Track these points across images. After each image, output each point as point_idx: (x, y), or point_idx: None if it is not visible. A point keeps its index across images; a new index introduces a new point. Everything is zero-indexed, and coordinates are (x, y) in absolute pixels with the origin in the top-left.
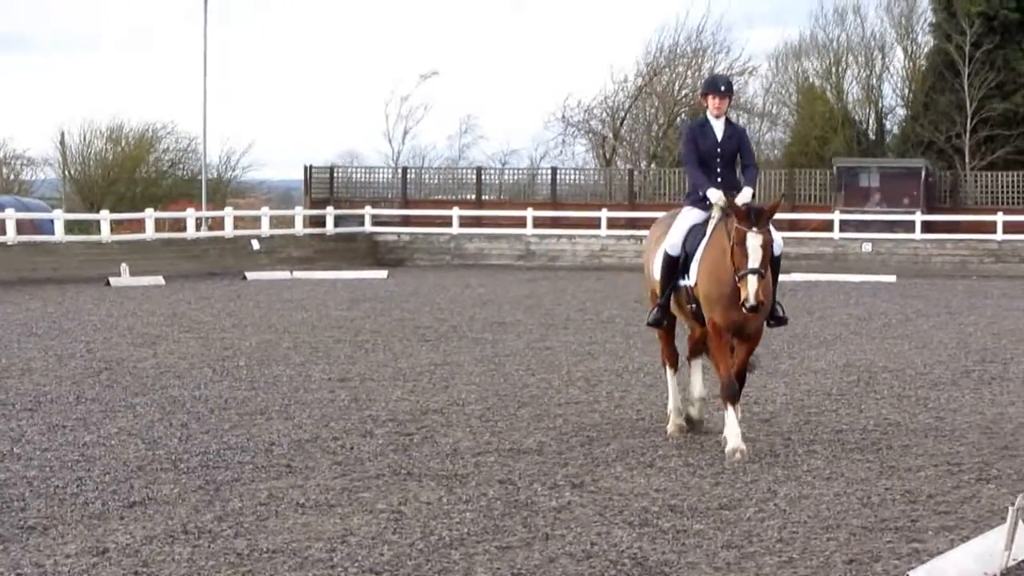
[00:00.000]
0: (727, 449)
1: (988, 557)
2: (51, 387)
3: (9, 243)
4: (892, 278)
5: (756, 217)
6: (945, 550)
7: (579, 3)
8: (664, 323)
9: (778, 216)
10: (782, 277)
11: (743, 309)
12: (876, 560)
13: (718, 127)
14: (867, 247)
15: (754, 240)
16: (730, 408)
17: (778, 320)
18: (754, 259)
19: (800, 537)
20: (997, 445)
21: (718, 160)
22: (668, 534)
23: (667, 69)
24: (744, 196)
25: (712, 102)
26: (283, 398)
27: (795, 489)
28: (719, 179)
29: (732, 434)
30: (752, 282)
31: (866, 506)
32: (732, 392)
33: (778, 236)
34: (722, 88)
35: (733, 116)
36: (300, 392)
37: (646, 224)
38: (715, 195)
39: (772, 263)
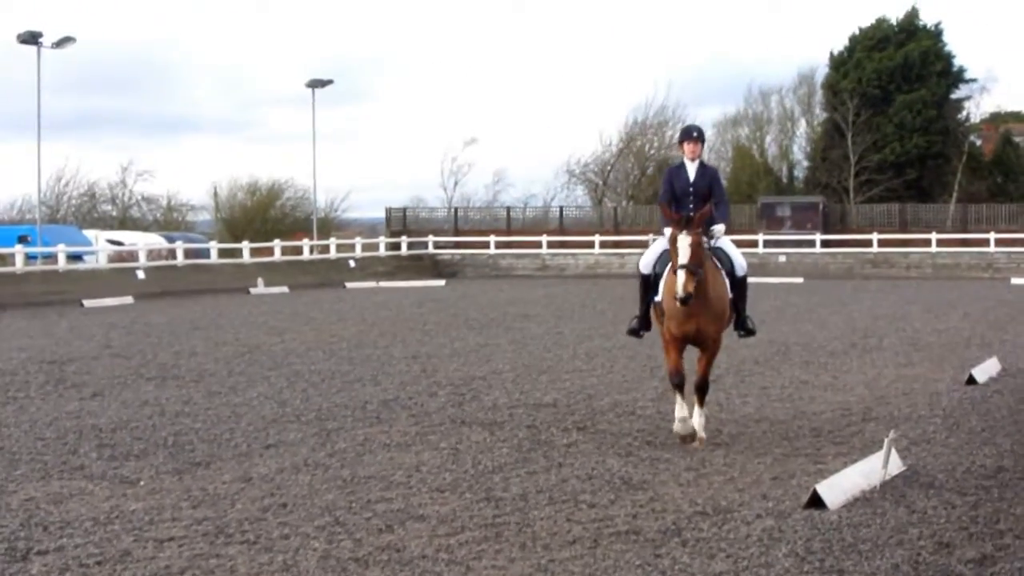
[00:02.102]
0: (673, 428)
1: (871, 473)
2: (210, 365)
3: (179, 265)
4: (800, 280)
5: (687, 222)
6: (841, 469)
7: (578, 88)
8: (641, 333)
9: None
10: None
11: (675, 301)
12: (792, 477)
13: (692, 169)
14: (782, 258)
15: (684, 240)
16: (677, 395)
17: (747, 331)
18: (683, 256)
19: (739, 462)
20: (876, 396)
21: (691, 198)
22: (646, 461)
23: (640, 136)
24: (717, 231)
25: (687, 147)
26: (373, 370)
27: (735, 428)
28: (692, 214)
29: (678, 416)
30: (680, 276)
31: (785, 439)
32: (676, 381)
33: (741, 259)
34: (694, 135)
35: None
36: (385, 366)
37: (628, 245)
38: (668, 233)
39: (739, 283)
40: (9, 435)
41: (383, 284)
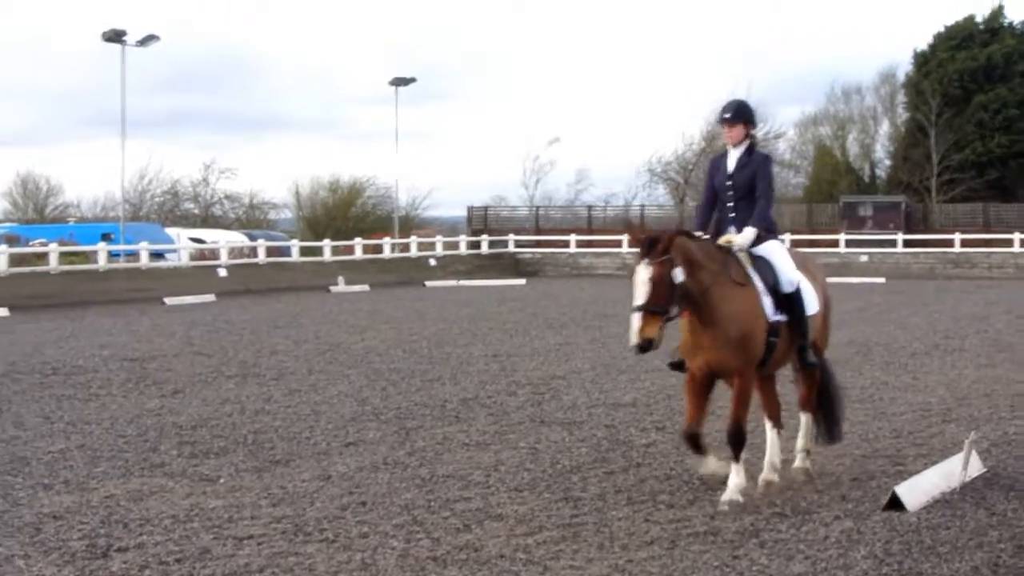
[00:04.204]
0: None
1: (950, 476)
2: (290, 363)
3: (260, 263)
4: (882, 280)
5: (649, 246)
6: (920, 471)
7: (660, 86)
8: (685, 366)
9: (799, 237)
10: None
11: (688, 333)
12: (872, 479)
13: (732, 157)
14: (864, 258)
15: (642, 273)
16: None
17: (805, 364)
18: (638, 294)
19: (818, 463)
20: (956, 397)
21: (730, 193)
22: (724, 461)
23: (722, 135)
24: (741, 238)
25: (724, 132)
26: (452, 369)
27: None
28: (732, 214)
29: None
30: (633, 320)
31: (864, 440)
32: (688, 440)
33: (791, 272)
34: (727, 116)
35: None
36: (464, 365)
37: None
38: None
39: (787, 302)
40: (91, 432)
41: (463, 283)
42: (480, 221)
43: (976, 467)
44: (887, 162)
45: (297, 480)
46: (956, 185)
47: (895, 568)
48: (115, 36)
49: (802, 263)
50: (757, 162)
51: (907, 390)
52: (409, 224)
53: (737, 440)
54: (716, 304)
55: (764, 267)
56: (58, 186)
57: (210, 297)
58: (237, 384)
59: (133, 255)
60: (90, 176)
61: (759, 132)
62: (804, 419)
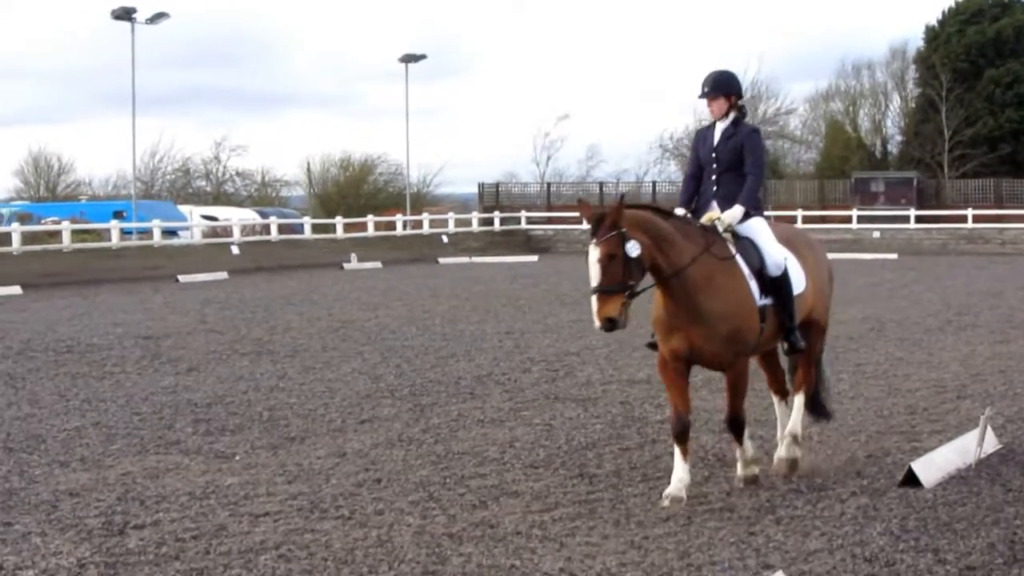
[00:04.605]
0: (665, 492)
1: (965, 452)
2: (304, 340)
3: (273, 241)
4: (894, 256)
5: (597, 223)
6: (936, 447)
7: (670, 62)
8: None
9: (811, 213)
10: None
11: (661, 311)
12: (887, 455)
13: (718, 130)
14: (876, 234)
15: (592, 254)
16: (676, 448)
17: (793, 348)
18: (593, 275)
19: (833, 439)
20: (971, 373)
21: (714, 167)
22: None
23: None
24: (729, 216)
25: (707, 105)
26: (466, 346)
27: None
28: (715, 188)
29: (675, 477)
30: (592, 303)
31: (879, 417)
32: (678, 430)
33: (776, 255)
34: (706, 90)
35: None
36: (478, 342)
37: None
38: (679, 214)
39: (773, 286)
40: (106, 410)
41: (476, 259)
42: (491, 198)
43: (991, 443)
44: (899, 138)
45: (312, 457)
46: (968, 160)
47: (911, 544)
48: (124, 14)
49: (787, 238)
50: (743, 135)
51: (921, 366)
52: (421, 201)
53: (737, 427)
54: (700, 289)
55: (749, 248)
56: (69, 164)
57: (223, 275)
58: (251, 361)
59: (146, 233)
60: (101, 154)
61: (770, 108)
62: (797, 401)
